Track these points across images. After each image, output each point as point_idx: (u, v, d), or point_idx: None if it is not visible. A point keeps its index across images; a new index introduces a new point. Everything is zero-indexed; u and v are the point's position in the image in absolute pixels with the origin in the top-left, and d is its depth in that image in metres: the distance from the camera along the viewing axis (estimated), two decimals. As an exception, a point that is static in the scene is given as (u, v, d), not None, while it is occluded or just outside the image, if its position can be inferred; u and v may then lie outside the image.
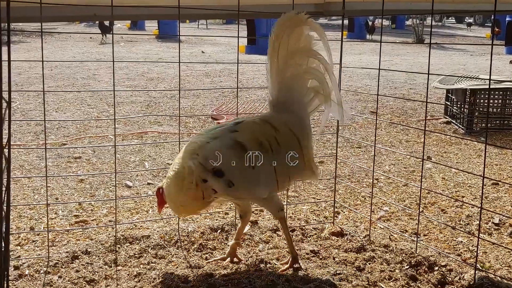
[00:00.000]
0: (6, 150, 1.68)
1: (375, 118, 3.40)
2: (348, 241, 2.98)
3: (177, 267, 2.63)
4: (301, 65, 2.65)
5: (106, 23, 17.83)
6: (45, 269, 2.59)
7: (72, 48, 15.45)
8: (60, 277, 2.52)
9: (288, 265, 2.63)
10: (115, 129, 3.41)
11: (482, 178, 2.60)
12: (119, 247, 2.84)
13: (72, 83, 8.70)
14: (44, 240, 2.91)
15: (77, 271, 2.57)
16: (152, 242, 2.89)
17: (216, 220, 3.30)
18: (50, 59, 8.50)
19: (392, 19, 29.30)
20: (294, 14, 2.59)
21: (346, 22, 3.06)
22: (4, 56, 1.54)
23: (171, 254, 2.78)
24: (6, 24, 1.70)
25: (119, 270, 2.60)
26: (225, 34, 22.09)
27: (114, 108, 3.04)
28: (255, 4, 3.23)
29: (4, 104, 1.56)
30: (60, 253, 2.75)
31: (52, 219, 3.26)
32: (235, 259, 2.72)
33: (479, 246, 2.81)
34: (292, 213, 3.42)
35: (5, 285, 1.74)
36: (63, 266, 2.62)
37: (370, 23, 23.31)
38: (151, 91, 8.07)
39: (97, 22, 19.27)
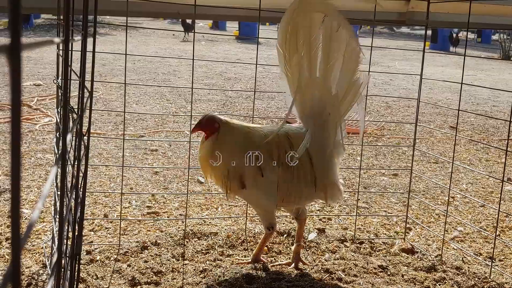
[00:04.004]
0: (85, 138, 1.73)
1: (454, 133, 3.26)
2: (419, 259, 2.88)
3: (242, 267, 2.63)
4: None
5: (189, 21, 18.24)
6: (115, 256, 2.66)
7: (155, 44, 15.93)
8: (129, 265, 2.58)
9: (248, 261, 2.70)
10: (191, 125, 3.46)
11: None
12: (187, 241, 2.88)
13: (153, 78, 8.95)
14: (117, 228, 3.00)
15: (145, 261, 2.62)
16: (219, 240, 2.91)
17: (283, 224, 3.27)
18: (133, 53, 8.79)
19: (477, 32, 28.21)
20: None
21: (429, 32, 2.95)
22: (89, 48, 1.58)
23: (237, 253, 2.79)
24: (94, 17, 1.75)
25: (186, 264, 2.64)
26: (303, 39, 22.02)
27: (192, 104, 3.08)
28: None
29: (86, 94, 1.60)
30: (131, 242, 2.82)
31: (126, 208, 3.34)
32: (300, 264, 2.69)
33: (560, 279, 2.63)
34: (362, 225, 3.35)
35: (77, 268, 1.79)
36: (133, 255, 2.68)
37: (454, 35, 22.54)
38: (227, 90, 8.16)
39: (180, 19, 19.76)
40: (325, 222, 3.35)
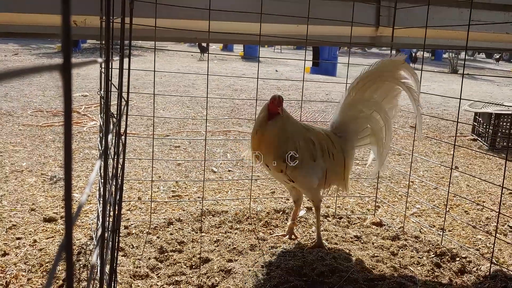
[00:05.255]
0: (123, 137, 1.74)
1: (413, 131, 3.26)
2: (386, 230, 2.88)
3: (246, 238, 2.64)
4: (363, 112, 2.58)
5: (204, 44, 18.21)
6: (147, 230, 2.66)
7: (177, 62, 15.90)
8: (158, 237, 2.58)
9: (313, 245, 2.56)
10: (206, 127, 3.46)
11: (501, 187, 2.43)
12: (204, 218, 2.88)
13: (176, 89, 8.94)
14: (148, 208, 3.00)
15: (171, 234, 2.63)
16: (229, 217, 2.91)
17: (280, 203, 3.28)
18: (160, 70, 8.78)
19: (432, 52, 28.11)
20: (398, 63, 2.50)
21: (394, 52, 2.96)
22: (126, 66, 1.59)
23: (243, 227, 2.79)
24: (129, 41, 1.76)
25: (203, 236, 2.64)
26: (295, 57, 21.97)
27: (206, 110, 3.08)
28: (319, 34, 3.20)
29: (124, 102, 1.61)
30: (159, 219, 2.82)
31: (155, 192, 3.35)
32: (293, 236, 2.69)
33: (495, 244, 2.63)
34: (341, 204, 3.35)
35: (117, 240, 1.80)
36: (161, 229, 2.69)
37: (413, 54, 22.47)
38: (235, 99, 8.15)
39: (197, 43, 19.72)
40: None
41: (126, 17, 1.66)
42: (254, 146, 2.40)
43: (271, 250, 2.48)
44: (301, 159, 2.39)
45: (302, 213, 3.05)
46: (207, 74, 2.81)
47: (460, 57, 21.44)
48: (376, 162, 2.66)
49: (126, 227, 2.67)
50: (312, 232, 2.78)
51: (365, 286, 2.14)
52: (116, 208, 1.70)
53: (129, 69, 1.67)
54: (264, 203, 3.25)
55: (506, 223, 3.16)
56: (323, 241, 2.62)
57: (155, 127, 5.49)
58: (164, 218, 2.82)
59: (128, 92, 1.75)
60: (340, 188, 2.63)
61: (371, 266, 2.36)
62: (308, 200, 3.01)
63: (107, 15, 1.15)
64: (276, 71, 15.22)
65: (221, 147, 4.83)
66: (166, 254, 2.40)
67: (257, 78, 2.91)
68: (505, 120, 5.62)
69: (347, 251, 2.53)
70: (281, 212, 3.05)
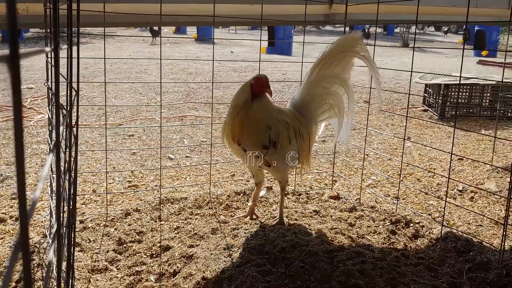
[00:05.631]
0: (74, 129, 1.69)
1: (367, 106, 3.35)
2: (343, 203, 2.96)
3: (207, 222, 2.64)
4: (327, 88, 2.61)
5: (156, 28, 17.76)
6: (104, 223, 2.61)
7: (128, 48, 15.46)
8: (116, 229, 2.54)
9: (275, 223, 2.60)
10: (161, 113, 3.40)
11: (450, 154, 2.55)
12: (162, 206, 2.85)
13: (127, 76, 8.71)
14: (104, 200, 2.94)
15: (129, 224, 2.59)
16: (189, 203, 2.90)
17: (240, 186, 3.29)
18: (110, 57, 8.48)
19: (384, 27, 28.70)
20: (357, 38, 2.55)
21: (348, 29, 3.01)
22: (74, 54, 1.54)
23: (203, 212, 2.79)
24: (77, 29, 1.70)
25: (162, 224, 2.62)
26: (250, 38, 21.86)
27: (161, 96, 3.03)
28: (274, 13, 3.20)
29: (74, 92, 1.56)
30: (116, 210, 2.77)
31: (110, 183, 3.28)
32: (254, 216, 2.72)
33: (446, 208, 2.77)
34: (300, 181, 3.40)
35: (73, 235, 1.76)
36: (118, 221, 2.64)
37: (366, 30, 22.87)
38: (190, 83, 8.04)
39: (148, 27, 19.21)
40: (272, 181, 3.38)
41: (73, 3, 1.59)
42: (235, 129, 2.31)
43: (233, 232, 2.49)
44: (281, 142, 2.39)
45: (262, 193, 3.08)
46: (160, 59, 2.75)
47: (410, 31, 22.01)
48: (340, 133, 2.71)
49: (81, 222, 2.60)
50: (273, 210, 2.82)
51: (325, 257, 2.20)
52: (71, 202, 1.66)
53: (78, 57, 1.62)
54: (224, 187, 3.26)
55: (455, 188, 3.33)
56: (284, 218, 2.66)
57: (107, 116, 5.35)
58: (121, 209, 2.77)
59: (78, 82, 1.69)
60: (304, 166, 2.67)
61: (330, 238, 2.42)
62: (275, 180, 3.01)
63: (53, 1, 1.10)
64: (232, 52, 15.11)
65: (177, 133, 4.78)
66: (125, 245, 2.37)
67: (213, 60, 2.88)
68: (453, 90, 5.87)
69: (307, 225, 2.59)
70: (241, 194, 3.06)
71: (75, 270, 2.00)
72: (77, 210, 2.56)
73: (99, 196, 3.02)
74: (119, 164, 3.74)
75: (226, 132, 2.37)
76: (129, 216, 2.69)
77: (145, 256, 2.28)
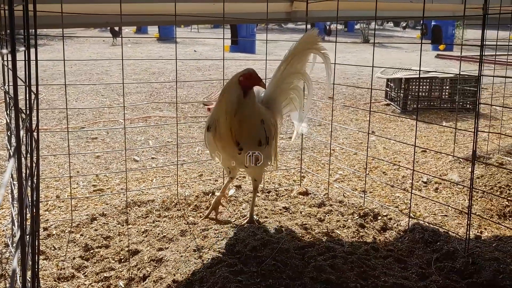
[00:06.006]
0: (35, 133, 1.62)
1: (332, 102, 3.39)
2: (312, 198, 2.98)
3: (176, 224, 2.60)
4: (292, 83, 2.66)
5: (116, 28, 17.36)
6: (69, 229, 2.53)
7: (88, 49, 15.05)
8: (81, 235, 2.46)
9: (246, 221, 2.60)
10: (124, 115, 3.33)
11: (414, 147, 2.61)
12: (129, 210, 2.79)
13: (88, 78, 8.48)
14: (68, 206, 2.84)
15: (95, 229, 2.52)
16: (156, 205, 2.85)
17: (208, 185, 3.26)
18: (70, 59, 8.19)
19: (344, 24, 29.19)
20: (315, 36, 2.59)
21: (309, 26, 3.03)
22: (32, 57, 1.47)
23: (171, 214, 2.74)
24: (34, 30, 1.62)
25: (129, 228, 2.56)
26: (213, 36, 21.74)
27: (124, 97, 2.95)
28: (236, 12, 3.18)
29: (33, 96, 1.49)
30: (81, 216, 2.69)
31: (74, 188, 3.18)
32: (221, 208, 2.71)
33: (412, 200, 2.83)
34: (269, 178, 3.40)
35: (37, 243, 1.69)
36: (84, 226, 2.56)
37: (327, 27, 23.17)
38: (153, 83, 7.91)
39: (108, 27, 18.77)
40: (241, 180, 3.37)
41: (29, 4, 1.52)
42: (234, 130, 2.22)
43: (203, 233, 2.46)
44: (272, 136, 2.41)
45: (231, 192, 3.07)
46: (122, 59, 2.68)
47: (370, 27, 22.49)
48: (300, 124, 2.74)
49: (45, 229, 2.51)
50: (243, 209, 2.81)
51: (296, 254, 2.21)
52: (34, 209, 1.59)
53: (36, 59, 1.55)
54: (192, 187, 3.22)
55: (419, 179, 3.42)
56: (254, 216, 2.65)
57: (69, 119, 5.18)
58: (87, 215, 2.69)
59: (37, 85, 1.62)
60: (276, 161, 2.69)
61: (300, 235, 2.44)
62: (245, 178, 2.98)
63: (9, 2, 1.04)
64: (195, 51, 14.98)
65: (142, 134, 4.69)
66: (92, 251, 2.30)
67: (175, 59, 2.83)
68: (414, 83, 6.03)
69: (277, 223, 2.59)
70: (210, 194, 3.03)
71: (40, 279, 1.92)
72: (40, 217, 2.46)
73: (63, 201, 2.93)
74: (83, 168, 3.63)
75: (221, 137, 2.27)
76: (95, 221, 2.62)
77: (113, 262, 2.22)
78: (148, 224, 2.60)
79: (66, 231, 2.50)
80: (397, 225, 2.58)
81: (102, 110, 5.74)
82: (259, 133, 2.32)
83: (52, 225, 2.57)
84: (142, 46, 16.55)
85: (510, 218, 2.76)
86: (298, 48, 2.62)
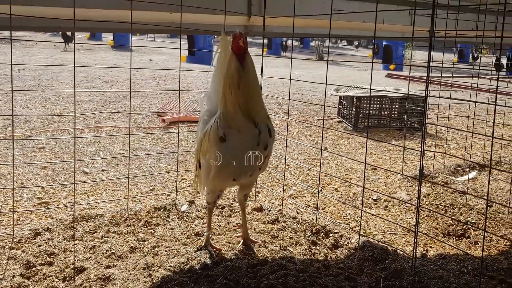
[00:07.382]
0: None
1: (287, 117, 3.43)
2: (266, 214, 2.98)
3: (125, 241, 2.51)
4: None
5: (68, 33, 16.80)
6: (10, 245, 2.38)
7: (38, 54, 14.44)
8: (23, 251, 2.32)
9: (240, 245, 2.49)
10: (75, 124, 3.20)
11: (364, 164, 2.67)
12: (76, 224, 2.67)
13: (37, 84, 8.13)
14: (10, 219, 2.68)
15: (39, 245, 2.38)
16: (105, 220, 2.74)
17: (160, 200, 3.18)
18: (18, 63, 7.80)
19: (300, 40, 29.80)
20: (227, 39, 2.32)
21: (266, 41, 3.06)
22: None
23: (121, 230, 2.65)
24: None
25: (76, 244, 2.45)
26: (169, 46, 21.53)
27: (74, 105, 2.85)
28: (194, 22, 3.16)
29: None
30: (24, 230, 2.54)
31: (17, 201, 3.01)
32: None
33: (362, 217, 2.89)
34: (223, 194, 3.37)
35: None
36: (26, 242, 2.42)
37: (284, 42, 23.57)
38: (106, 91, 7.70)
39: (60, 32, 18.14)
40: (194, 195, 3.32)
41: None
42: (242, 101, 2.03)
43: (153, 250, 2.40)
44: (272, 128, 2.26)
45: (184, 207, 3.01)
46: (74, 66, 2.58)
47: (325, 45, 23.10)
48: None
49: (-18, 245, 2.35)
50: (195, 226, 2.76)
51: (249, 272, 2.19)
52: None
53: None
54: (143, 202, 3.13)
55: (370, 197, 3.50)
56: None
57: (15, 127, 4.93)
58: (30, 229, 2.55)
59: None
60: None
61: (253, 252, 2.42)
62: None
63: None
64: (150, 60, 14.75)
65: (92, 145, 4.53)
66: (34, 269, 2.18)
67: (130, 68, 2.76)
68: (365, 102, 6.22)
69: (230, 239, 2.56)
70: (162, 210, 2.96)
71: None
72: (-24, 233, 2.30)
73: (4, 215, 2.76)
74: (28, 180, 3.45)
75: (236, 121, 2.06)
76: (38, 236, 2.48)
77: (57, 280, 2.11)
78: (96, 240, 2.50)
79: (6, 247, 2.35)
80: (348, 242, 2.62)
81: (51, 118, 5.50)
82: (261, 104, 2.16)
83: (-10, 240, 2.41)
84: (95, 53, 16.10)
85: (454, 237, 2.87)
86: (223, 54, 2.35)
